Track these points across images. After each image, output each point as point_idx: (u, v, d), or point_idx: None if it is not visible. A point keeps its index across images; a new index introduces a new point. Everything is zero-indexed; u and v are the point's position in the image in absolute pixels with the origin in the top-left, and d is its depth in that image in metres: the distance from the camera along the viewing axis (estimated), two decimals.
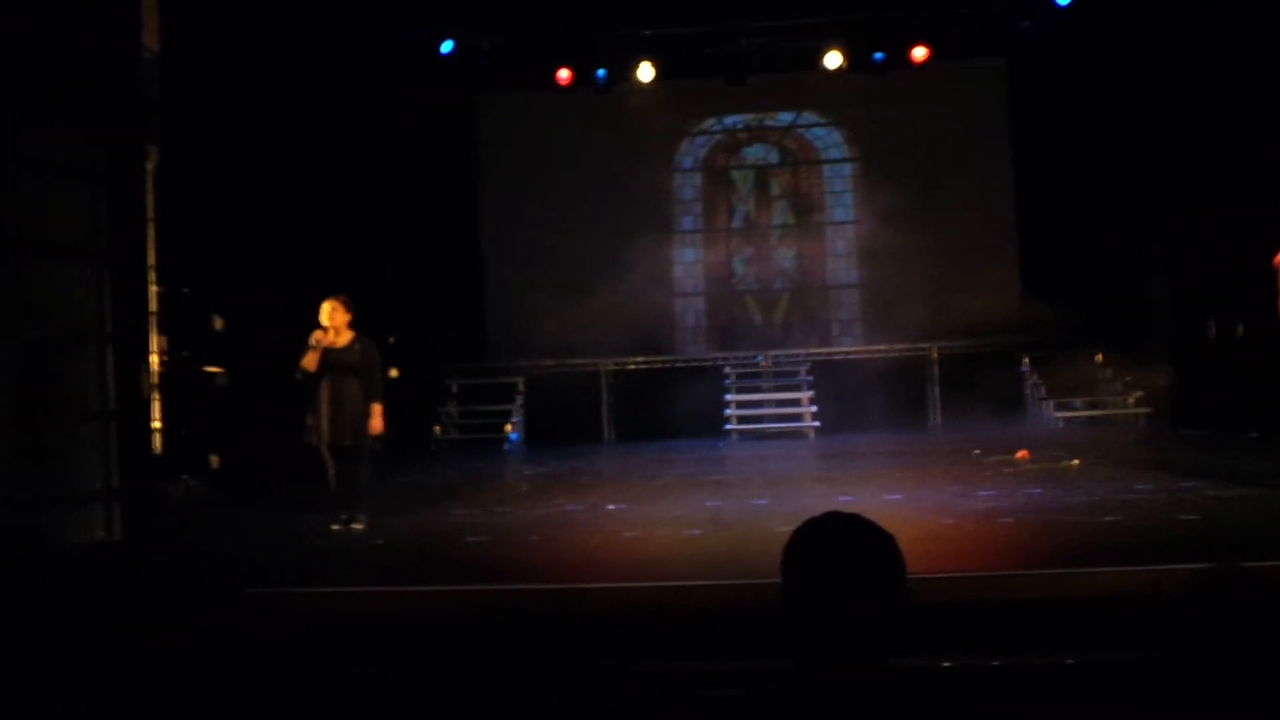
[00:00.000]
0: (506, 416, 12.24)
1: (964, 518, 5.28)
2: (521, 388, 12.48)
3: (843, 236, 13.01)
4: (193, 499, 7.50)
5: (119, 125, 4.77)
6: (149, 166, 6.16)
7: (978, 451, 8.58)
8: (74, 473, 5.62)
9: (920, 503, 5.89)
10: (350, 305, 5.86)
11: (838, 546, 1.42)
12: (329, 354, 5.74)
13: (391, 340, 10.02)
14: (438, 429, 12.34)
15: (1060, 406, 11.24)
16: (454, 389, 12.73)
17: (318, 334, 5.71)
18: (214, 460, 8.38)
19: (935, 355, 12.17)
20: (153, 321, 6.43)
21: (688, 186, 13.17)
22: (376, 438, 5.87)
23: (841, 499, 6.13)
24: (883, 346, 12.27)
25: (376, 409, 5.76)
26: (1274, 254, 6.18)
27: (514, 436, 12.10)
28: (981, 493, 6.22)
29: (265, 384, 8.59)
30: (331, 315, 5.75)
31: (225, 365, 8.79)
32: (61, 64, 4.75)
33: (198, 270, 8.06)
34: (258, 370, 8.71)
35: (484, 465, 10.04)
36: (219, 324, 8.69)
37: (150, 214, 6.25)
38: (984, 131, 12.25)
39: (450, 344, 12.23)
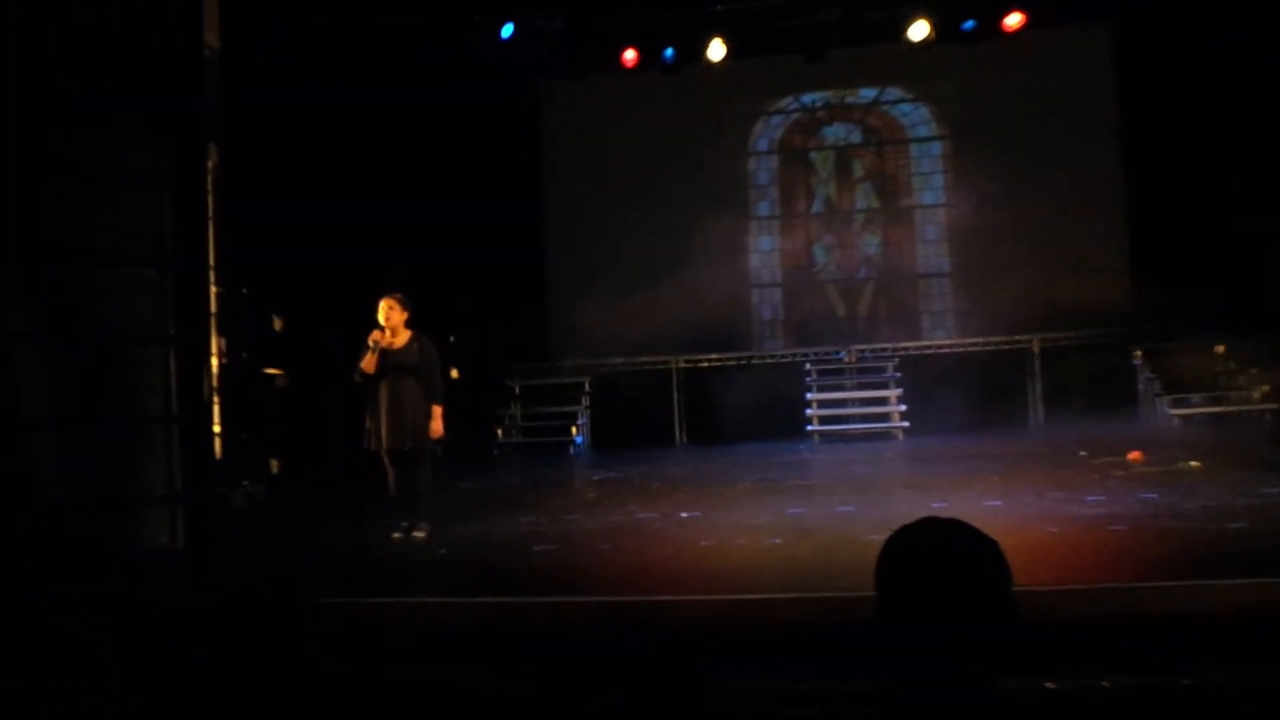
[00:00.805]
0: (572, 419, 12.32)
1: (1071, 525, 5.19)
2: (587, 388, 12.58)
3: (933, 221, 12.78)
4: (253, 505, 7.74)
5: (182, 125, 4.94)
6: (209, 165, 6.38)
7: (1085, 453, 8.39)
8: (137, 478, 5.84)
9: (1022, 509, 5.78)
10: (407, 303, 5.96)
11: (937, 555, 1.39)
12: (387, 355, 5.85)
13: (452, 340, 10.19)
14: (500, 432, 12.55)
15: (1176, 403, 10.88)
16: (516, 390, 12.89)
17: (375, 334, 5.83)
18: (274, 465, 8.64)
19: (1036, 348, 11.87)
20: (212, 323, 6.66)
21: (763, 170, 13.10)
22: (437, 441, 5.97)
23: (936, 505, 6.02)
24: (978, 339, 12.01)
25: (437, 411, 5.85)
26: None
27: (580, 440, 12.20)
28: (1090, 498, 6.10)
29: (324, 386, 8.86)
30: (388, 314, 5.86)
31: (284, 367, 9.05)
32: (123, 64, 4.96)
33: (257, 270, 8.32)
34: (317, 372, 8.97)
35: (549, 470, 10.16)
36: (278, 325, 8.97)
37: (210, 214, 6.46)
38: (1087, 104, 11.88)
39: (513, 343, 12.39)
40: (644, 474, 9.09)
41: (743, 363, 12.49)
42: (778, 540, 5.25)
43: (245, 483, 7.96)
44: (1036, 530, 5.03)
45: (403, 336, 5.93)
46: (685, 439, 12.47)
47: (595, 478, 9.12)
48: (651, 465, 9.81)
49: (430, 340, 6.02)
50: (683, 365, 12.63)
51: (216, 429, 7.01)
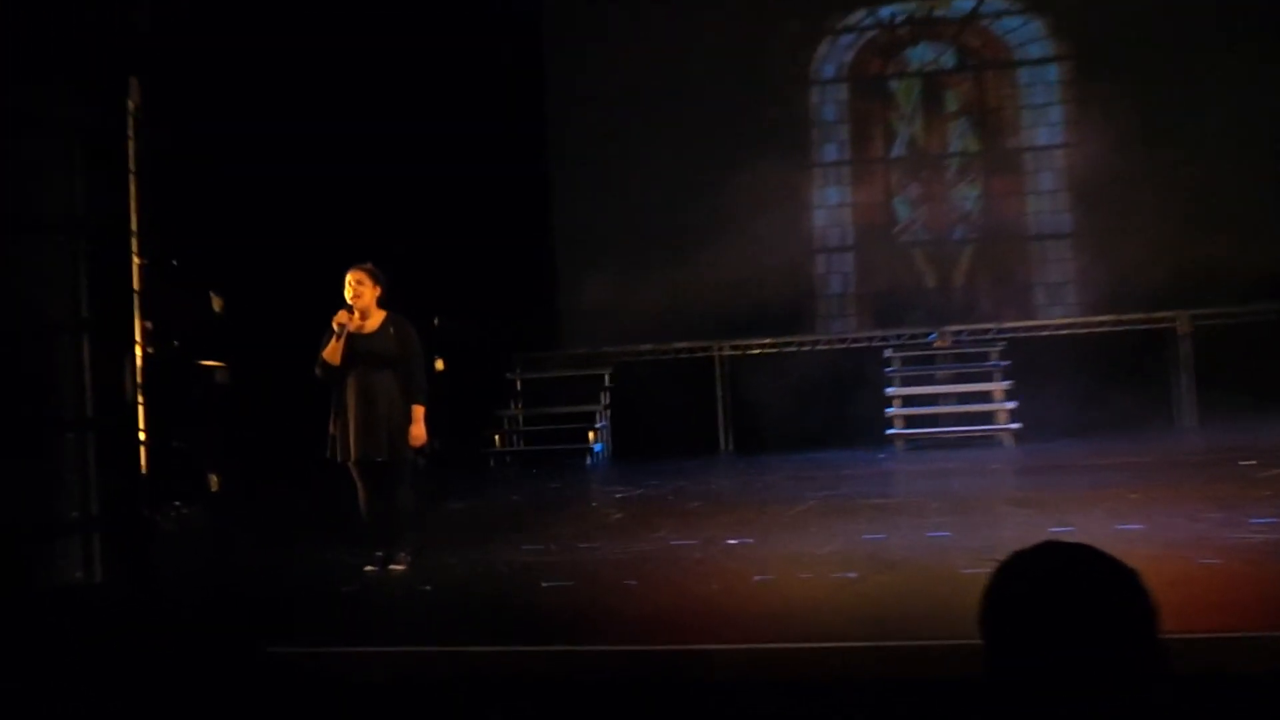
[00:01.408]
0: (589, 421, 12.40)
1: (1234, 555, 5.17)
2: (608, 382, 12.64)
3: (1049, 166, 12.66)
4: (188, 530, 7.83)
5: (97, 54, 4.97)
6: (130, 105, 6.38)
7: (1251, 463, 8.27)
8: (45, 498, 5.90)
9: (1169, 535, 5.79)
10: (380, 277, 5.99)
11: (1060, 590, 1.37)
12: (356, 342, 5.88)
13: (436, 323, 10.22)
14: (498, 439, 12.61)
15: None
16: (518, 385, 12.95)
17: (341, 316, 5.87)
18: (214, 481, 8.73)
19: (1184, 328, 11.72)
20: (135, 304, 6.71)
21: (830, 104, 13.05)
22: (419, 451, 6.01)
23: (1056, 530, 6.00)
24: (1107, 317, 11.91)
25: (418, 413, 5.89)
26: None
27: (599, 447, 12.27)
28: (1255, 520, 6.06)
29: (276, 381, 8.92)
30: (357, 291, 5.89)
31: (226, 358, 9.13)
32: None
33: (191, 237, 8.36)
34: (267, 364, 9.04)
35: (560, 486, 10.22)
36: (218, 305, 9.04)
37: (132, 166, 6.48)
38: (1248, 17, 11.69)
39: (514, 327, 12.46)
40: (680, 490, 9.14)
41: (805, 349, 12.50)
42: (851, 575, 5.27)
43: (178, 503, 8.05)
44: (1188, 561, 5.05)
45: (375, 318, 5.96)
46: (731, 445, 12.49)
47: (618, 495, 9.19)
48: (689, 479, 9.85)
49: (409, 323, 6.04)
50: (728, 352, 12.65)
51: (141, 436, 7.09)
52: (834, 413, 11.49)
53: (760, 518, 7.31)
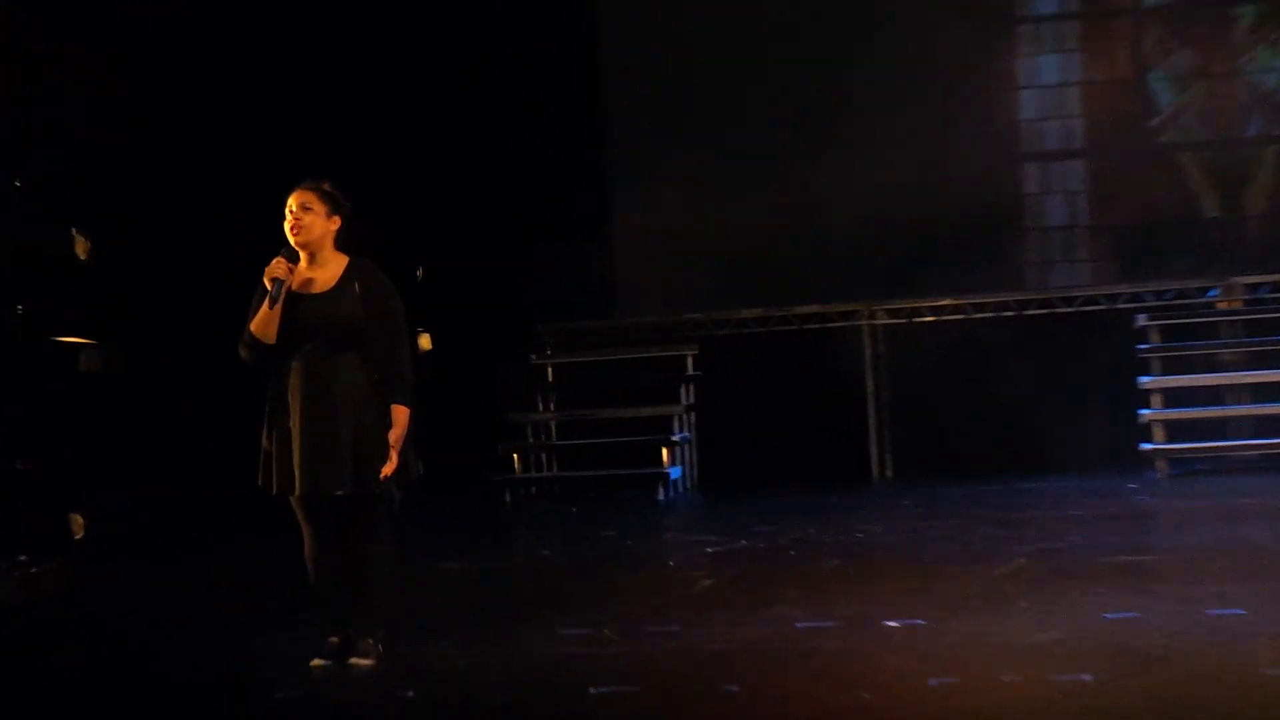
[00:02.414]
0: (661, 431, 12.44)
1: None
2: (691, 368, 12.71)
3: None
4: (37, 598, 7.92)
5: None
6: None
7: None
8: None
9: None
10: (341, 203, 5.94)
11: None
12: (301, 306, 5.83)
13: (420, 275, 10.26)
14: (516, 459, 12.69)
15: None
16: (550, 375, 13.04)
17: (277, 265, 5.85)
18: (78, 523, 8.82)
19: None
20: None
21: None
22: (398, 479, 6.01)
23: None
24: None
25: (399, 419, 5.88)
26: None
27: (676, 472, 12.34)
28: None
29: (180, 369, 8.96)
30: (302, 222, 5.86)
31: (98, 332, 9.20)
32: None
33: (43, 152, 8.51)
34: (165, 341, 9.16)
35: (616, 533, 10.26)
36: (83, 249, 9.11)
37: None
38: None
39: (541, 282, 12.49)
40: (806, 540, 9.17)
41: (1007, 314, 12.45)
42: (1085, 677, 5.22)
43: (22, 558, 8.14)
44: None
45: (331, 268, 5.91)
46: (889, 469, 12.54)
47: (710, 548, 9.21)
48: (821, 522, 9.86)
49: (382, 275, 6.02)
50: (883, 321, 12.70)
51: None
52: (1055, 415, 11.42)
53: (936, 585, 7.30)
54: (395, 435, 5.88)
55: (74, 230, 9.02)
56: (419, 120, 11.59)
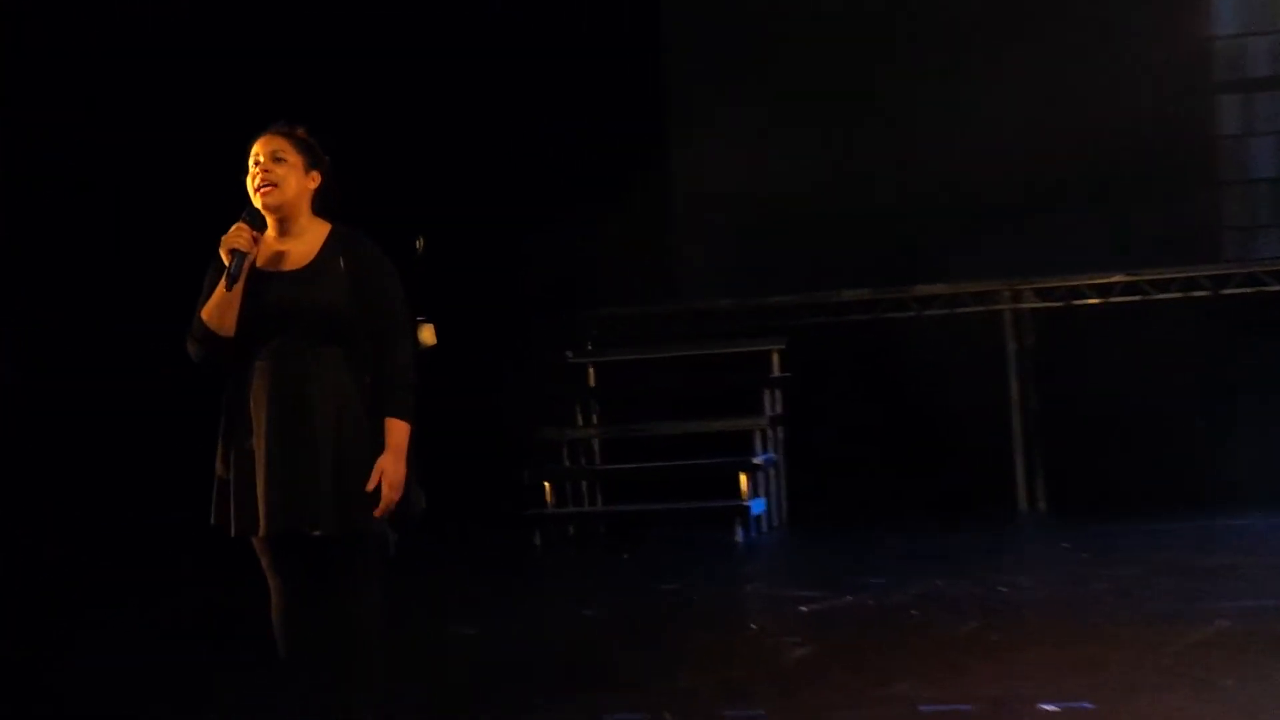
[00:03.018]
0: (739, 450, 12.54)
1: None
2: (777, 369, 12.84)
3: None
4: None
5: None
6: None
7: None
8: None
9: None
10: (319, 153, 6.00)
11: None
12: (268, 286, 5.83)
13: (420, 246, 10.32)
14: (548, 487, 12.74)
15: None
16: (591, 377, 13.20)
17: (237, 234, 5.82)
18: None
19: None
20: None
21: None
22: (394, 516, 6.05)
23: None
24: None
25: (397, 438, 5.90)
26: None
27: (758, 506, 12.50)
28: None
29: (99, 375, 8.99)
30: (272, 175, 5.84)
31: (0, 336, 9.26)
32: None
33: None
34: (78, 340, 9.15)
35: (680, 586, 10.38)
36: None
37: None
38: None
39: (582, 261, 12.70)
40: (933, 595, 9.30)
41: (1200, 294, 12.45)
42: None
43: None
44: None
45: (308, 237, 5.96)
46: (1042, 500, 12.61)
47: (805, 606, 9.34)
48: (953, 571, 9.98)
49: (375, 248, 6.04)
50: (1032, 305, 12.76)
51: None
52: (1260, 431, 11.53)
53: (1107, 656, 7.28)
54: (391, 458, 5.90)
55: None
56: (419, 46, 11.73)
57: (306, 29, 11.62)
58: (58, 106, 9.78)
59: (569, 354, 13.16)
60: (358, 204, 6.16)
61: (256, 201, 5.91)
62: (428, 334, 10.30)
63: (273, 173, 5.90)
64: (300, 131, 6.01)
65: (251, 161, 5.93)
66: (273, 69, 10.97)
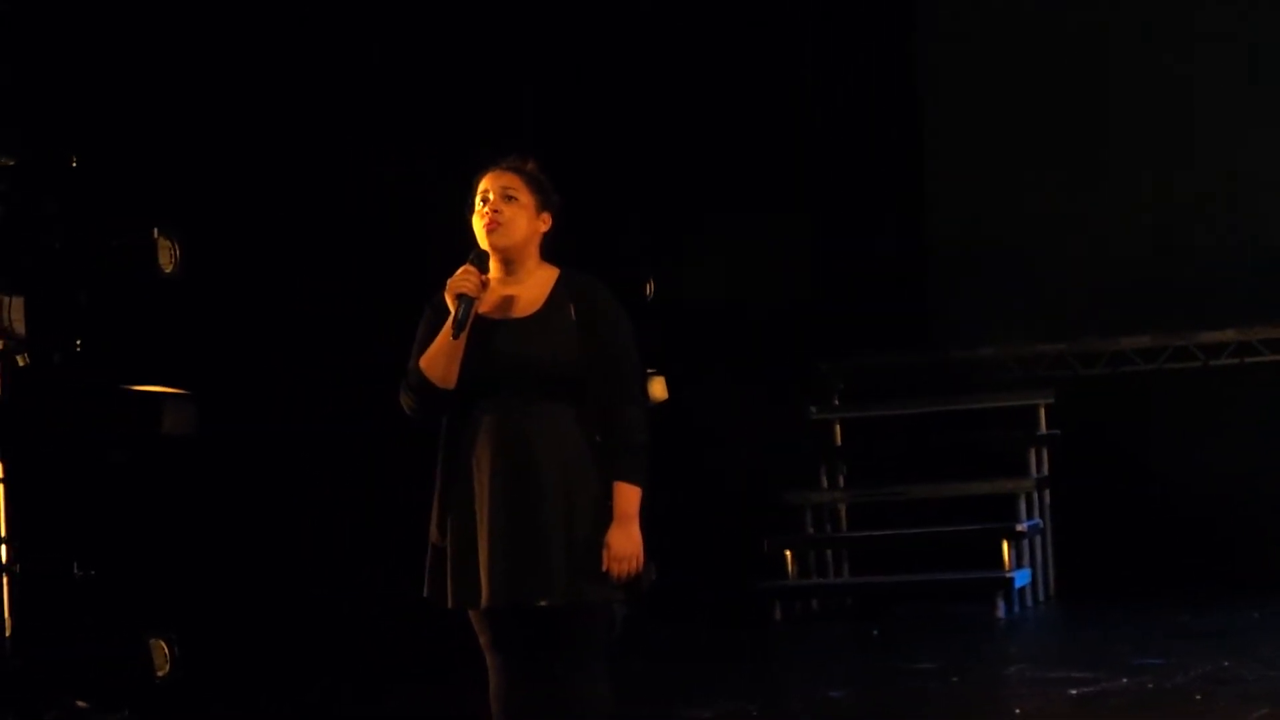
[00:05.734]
0: (1003, 516, 12.56)
1: None
2: (1044, 425, 12.71)
3: None
4: None
5: None
6: None
7: None
8: None
9: None
10: (552, 195, 6.01)
11: None
12: (493, 335, 5.85)
13: (651, 291, 10.33)
14: (790, 556, 12.64)
15: None
16: (838, 435, 13.19)
17: (467, 275, 5.76)
18: (161, 653, 8.75)
19: None
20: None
21: None
22: (625, 588, 5.97)
23: None
24: None
25: (628, 503, 5.84)
26: None
27: (1023, 577, 12.50)
28: None
29: (296, 427, 9.04)
30: (501, 215, 5.87)
31: (191, 380, 9.17)
32: None
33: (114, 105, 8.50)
34: (276, 388, 9.18)
35: (936, 666, 10.37)
36: (168, 258, 9.07)
37: None
38: None
39: (827, 306, 12.83)
40: (1222, 678, 9.21)
41: None
42: None
43: (81, 703, 8.16)
44: None
45: (534, 282, 5.95)
46: None
47: (1073, 689, 9.30)
48: (1244, 650, 9.89)
49: (609, 295, 6.01)
50: None
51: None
52: None
53: None
54: (621, 527, 5.84)
55: (155, 231, 8.98)
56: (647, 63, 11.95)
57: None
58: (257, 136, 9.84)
59: (813, 409, 13.25)
60: (589, 247, 6.17)
61: (484, 242, 5.93)
62: (659, 388, 10.28)
63: (503, 212, 5.92)
64: (531, 166, 6.04)
65: (479, 199, 5.95)
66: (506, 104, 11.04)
